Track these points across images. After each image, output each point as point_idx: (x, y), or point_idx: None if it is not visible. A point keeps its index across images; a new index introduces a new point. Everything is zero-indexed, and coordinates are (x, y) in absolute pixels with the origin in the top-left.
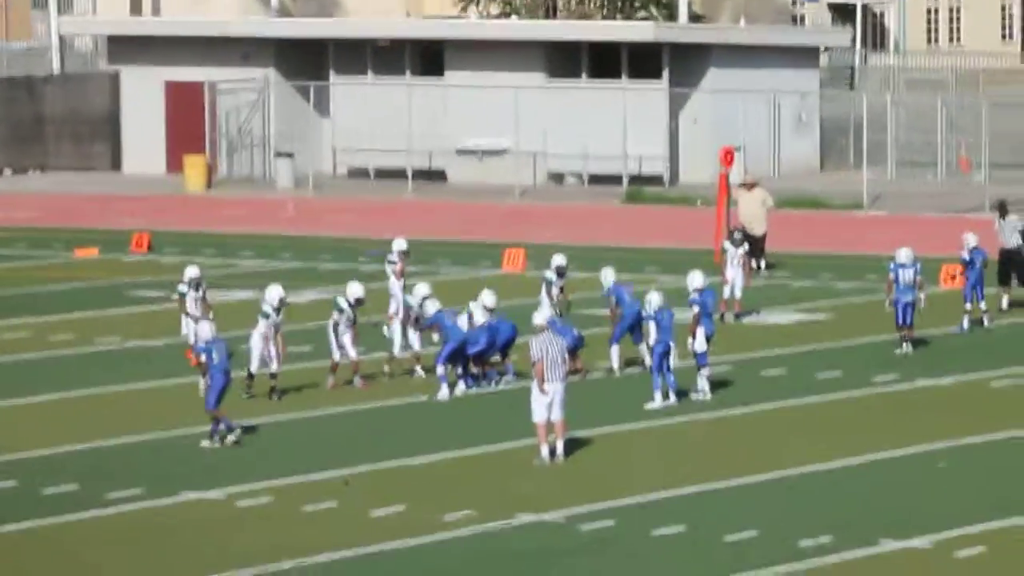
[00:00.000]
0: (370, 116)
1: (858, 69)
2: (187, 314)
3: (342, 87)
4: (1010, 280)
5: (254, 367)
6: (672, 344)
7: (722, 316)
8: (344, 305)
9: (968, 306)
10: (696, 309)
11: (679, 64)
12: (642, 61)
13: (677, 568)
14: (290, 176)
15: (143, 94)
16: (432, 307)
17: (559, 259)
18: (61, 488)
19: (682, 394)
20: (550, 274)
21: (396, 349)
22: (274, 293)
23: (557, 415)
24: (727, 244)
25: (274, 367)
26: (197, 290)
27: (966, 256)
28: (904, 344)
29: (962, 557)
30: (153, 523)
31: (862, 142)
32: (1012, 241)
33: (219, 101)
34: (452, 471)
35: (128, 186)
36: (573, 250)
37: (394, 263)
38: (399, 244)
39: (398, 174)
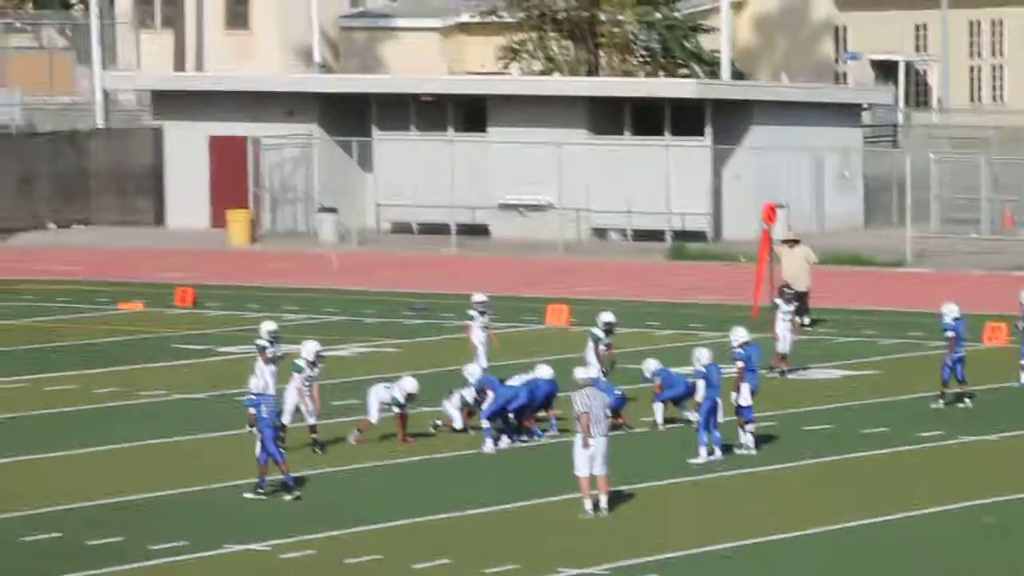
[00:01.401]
0: (413, 171)
1: (901, 127)
2: (268, 362)
3: (385, 142)
4: None
5: (286, 419)
6: (719, 400)
7: (782, 372)
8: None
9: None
10: (740, 364)
11: (722, 120)
12: (684, 117)
13: None
14: (333, 231)
15: (187, 149)
16: (476, 372)
17: (607, 316)
18: (105, 540)
19: (727, 449)
20: (597, 331)
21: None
22: (310, 348)
23: (600, 470)
24: (779, 300)
25: (311, 420)
26: (273, 344)
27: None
28: (965, 399)
29: None
30: (196, 575)
31: (905, 199)
32: None
33: (263, 156)
34: (495, 525)
35: (172, 240)
36: (617, 304)
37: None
38: (478, 297)
39: (441, 229)
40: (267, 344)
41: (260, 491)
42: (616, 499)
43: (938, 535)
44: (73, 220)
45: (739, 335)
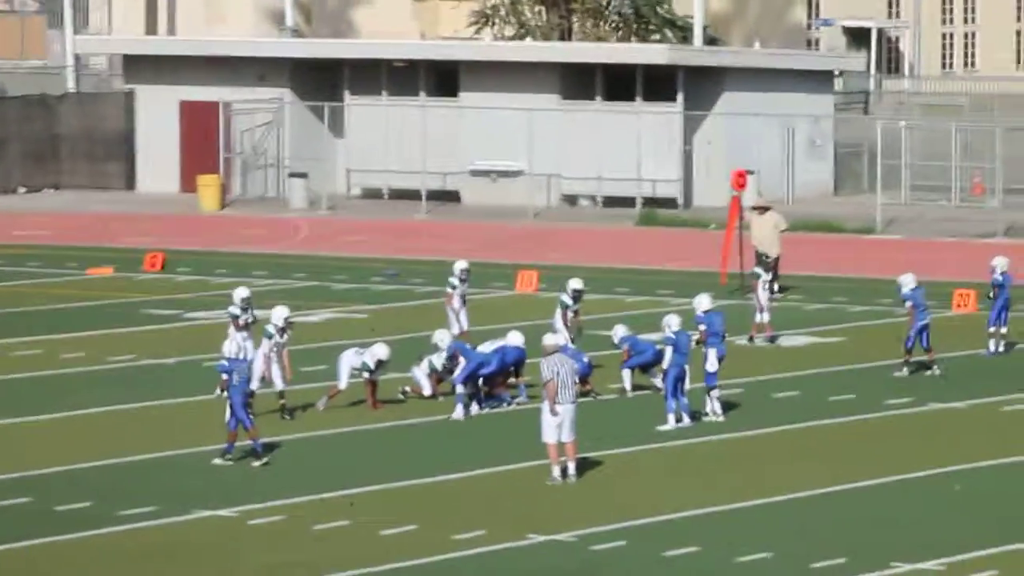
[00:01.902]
0: (384, 137)
1: (872, 93)
2: (240, 329)
3: (356, 108)
4: None
5: (254, 385)
6: (687, 368)
7: (751, 338)
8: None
9: (992, 329)
10: (702, 327)
11: (693, 87)
12: (656, 84)
13: None
14: (304, 196)
15: (158, 113)
16: (446, 338)
17: (576, 283)
18: (74, 505)
19: (695, 416)
20: (566, 298)
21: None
22: (279, 313)
23: (568, 436)
24: (758, 269)
25: (279, 386)
26: (246, 311)
27: (999, 279)
28: (933, 367)
29: None
30: (165, 541)
31: (876, 166)
32: None
33: (234, 121)
34: (463, 491)
35: (142, 205)
36: (587, 271)
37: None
38: (461, 264)
39: (412, 195)
40: (239, 312)
41: (228, 457)
42: (585, 466)
43: (907, 503)
44: (43, 184)
45: (702, 302)
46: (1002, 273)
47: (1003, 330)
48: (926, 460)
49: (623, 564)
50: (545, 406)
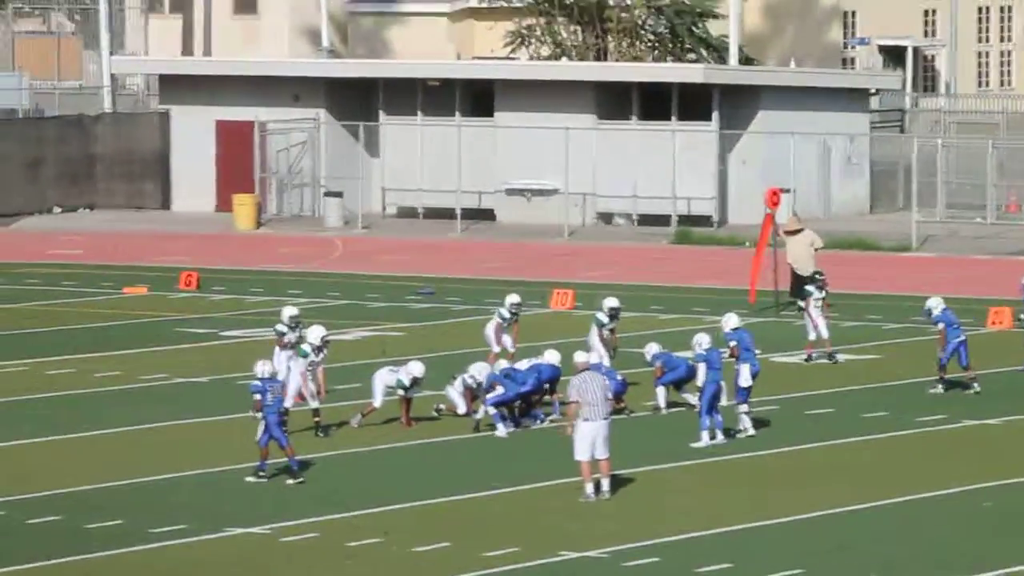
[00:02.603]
0: (419, 156)
1: (908, 111)
2: (284, 347)
3: (392, 127)
4: None
5: (288, 403)
6: (723, 384)
7: (808, 357)
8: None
9: None
10: (733, 343)
11: (729, 105)
12: (692, 103)
13: None
14: (339, 215)
15: (193, 133)
16: (484, 371)
17: (612, 301)
18: (106, 523)
19: (729, 433)
20: (602, 316)
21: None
22: (316, 333)
23: (602, 453)
24: (810, 288)
25: (314, 404)
26: (294, 330)
27: None
28: (974, 384)
29: None
30: (197, 558)
31: (912, 184)
32: None
33: (269, 140)
34: (496, 508)
35: (177, 224)
36: (621, 289)
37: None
38: (512, 299)
39: (447, 214)
40: (286, 330)
41: (261, 474)
42: (618, 483)
43: (939, 519)
44: (79, 204)
45: (730, 321)
46: None
47: None
48: (958, 477)
49: None
50: (577, 423)
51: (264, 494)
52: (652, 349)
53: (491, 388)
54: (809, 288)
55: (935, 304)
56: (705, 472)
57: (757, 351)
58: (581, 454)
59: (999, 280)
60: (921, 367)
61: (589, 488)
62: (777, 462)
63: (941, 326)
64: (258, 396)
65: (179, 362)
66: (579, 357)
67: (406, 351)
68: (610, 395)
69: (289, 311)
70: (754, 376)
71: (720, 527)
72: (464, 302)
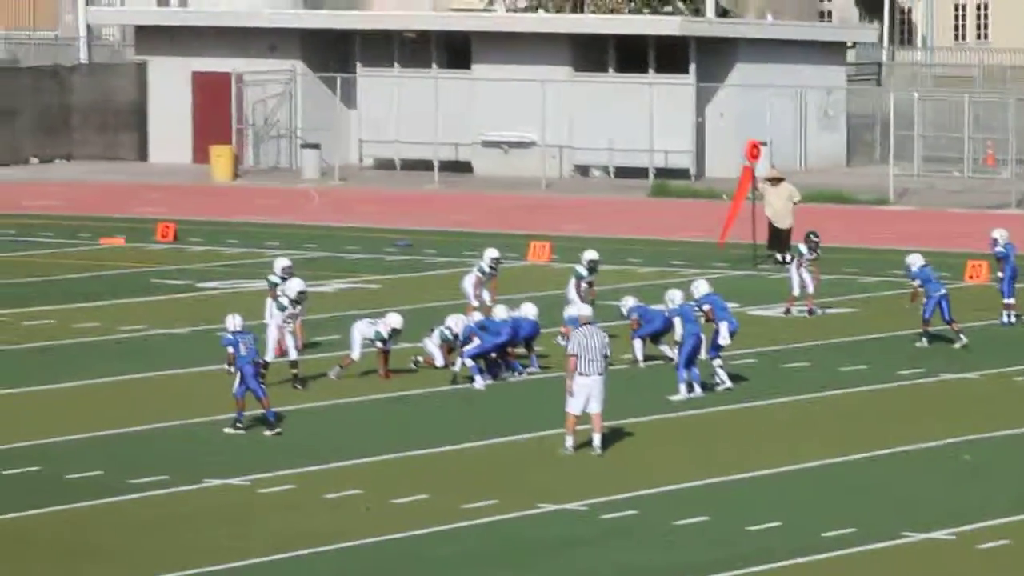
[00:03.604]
0: (396, 108)
1: (885, 65)
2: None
3: (369, 79)
4: None
5: (269, 356)
6: (703, 337)
7: (810, 311)
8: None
9: (1009, 300)
10: (707, 306)
11: (706, 58)
12: (669, 55)
13: (699, 557)
14: (316, 167)
15: (170, 84)
16: (460, 323)
17: (591, 254)
18: (85, 474)
19: (706, 387)
20: (581, 268)
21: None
22: (293, 285)
23: (595, 408)
24: (802, 247)
25: (293, 355)
26: (286, 281)
27: (1000, 250)
28: (960, 336)
29: (985, 549)
30: (176, 510)
31: (889, 138)
32: None
33: (246, 92)
34: (474, 461)
35: (154, 176)
36: (599, 241)
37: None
38: (491, 253)
39: (424, 166)
40: (279, 281)
41: (239, 426)
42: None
43: (918, 473)
44: (55, 155)
45: (700, 287)
46: (1004, 244)
47: (1011, 300)
48: (937, 430)
49: (633, 533)
50: (574, 376)
51: (243, 445)
52: (628, 302)
53: (468, 340)
54: (801, 248)
55: (914, 260)
56: (683, 425)
57: (734, 305)
58: (572, 407)
59: (976, 234)
60: (899, 321)
61: (570, 441)
62: (755, 416)
63: (917, 282)
64: (231, 349)
65: (157, 313)
66: (583, 311)
67: (384, 303)
68: (607, 352)
69: (282, 262)
70: (732, 334)
71: (698, 480)
72: (441, 254)
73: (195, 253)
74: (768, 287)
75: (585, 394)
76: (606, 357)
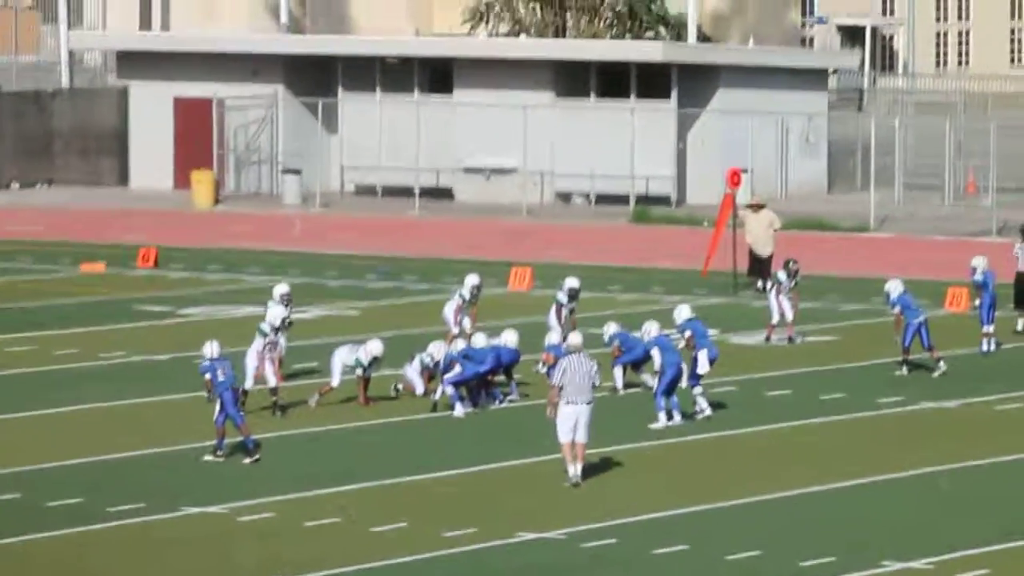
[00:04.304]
0: (378, 133)
1: (867, 91)
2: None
3: (350, 104)
4: None
5: (248, 384)
6: (683, 366)
7: (790, 339)
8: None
9: (988, 328)
10: (688, 332)
11: (688, 84)
12: (651, 81)
13: None
14: (297, 192)
15: (152, 109)
16: (441, 350)
17: (572, 282)
18: (64, 501)
19: (686, 415)
20: (562, 295)
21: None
22: (276, 313)
23: (581, 437)
24: (782, 277)
25: (272, 383)
26: (287, 307)
27: (979, 278)
28: (940, 363)
29: None
30: (155, 537)
31: (870, 164)
32: None
33: (227, 117)
34: (454, 489)
35: (135, 201)
36: (580, 268)
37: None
38: (472, 280)
39: (405, 192)
40: (268, 333)
41: (219, 453)
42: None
43: (897, 502)
44: (37, 180)
45: (683, 312)
46: (983, 272)
47: (990, 328)
48: (916, 459)
49: (613, 562)
50: (560, 406)
51: (222, 473)
52: (610, 329)
53: (449, 368)
54: (780, 276)
55: (893, 287)
56: (663, 453)
57: (714, 332)
58: (563, 436)
59: (957, 261)
60: (880, 348)
61: (572, 469)
62: (735, 444)
63: (897, 309)
64: (207, 375)
65: (137, 340)
66: (573, 339)
67: (364, 330)
68: (596, 381)
69: (280, 288)
70: (712, 362)
71: (678, 508)
72: (422, 281)
73: (176, 279)
74: (748, 315)
75: (572, 422)
76: (595, 386)
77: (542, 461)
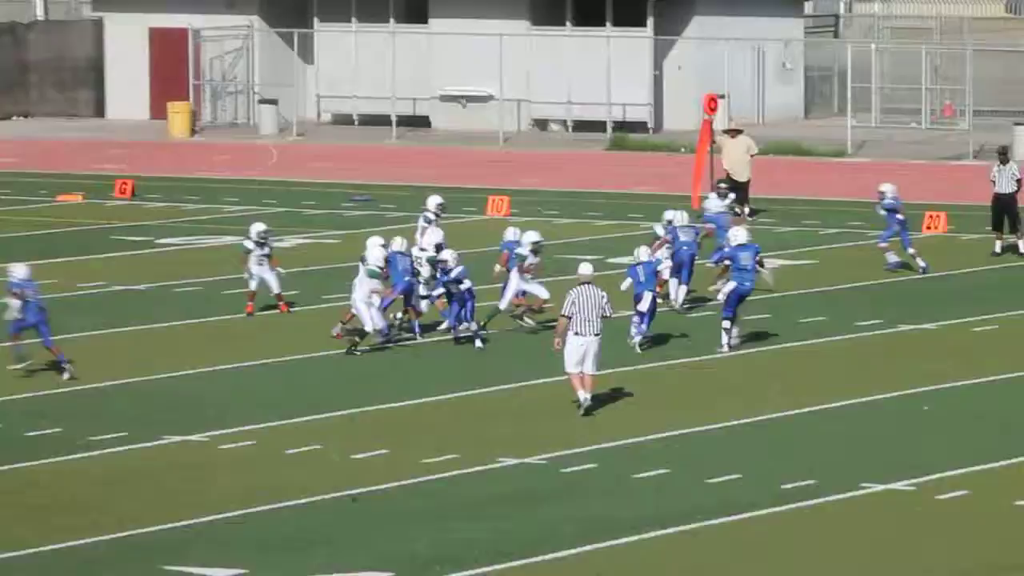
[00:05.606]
0: (354, 63)
1: (843, 17)
2: (248, 272)
3: (326, 34)
4: (1003, 226)
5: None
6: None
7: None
8: (251, 245)
9: (912, 250)
10: (630, 280)
11: (663, 11)
12: (626, 8)
13: (659, 509)
14: (274, 122)
15: (127, 41)
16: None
17: (533, 235)
18: (44, 431)
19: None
20: (523, 251)
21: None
22: (255, 228)
23: (589, 368)
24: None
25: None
26: (262, 247)
27: (891, 202)
28: (918, 260)
29: (944, 500)
30: (136, 466)
31: (846, 89)
32: (1007, 187)
33: (203, 48)
34: (435, 416)
35: (112, 132)
36: (557, 195)
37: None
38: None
39: (382, 120)
40: (253, 247)
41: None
42: (556, 391)
43: (877, 424)
44: (13, 112)
45: (641, 255)
46: (893, 197)
47: (911, 251)
48: (896, 381)
49: (594, 486)
50: (568, 336)
51: (203, 402)
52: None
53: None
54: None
55: (888, 188)
56: (643, 379)
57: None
58: (570, 367)
59: (934, 185)
60: (858, 272)
61: (581, 395)
62: (714, 368)
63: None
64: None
65: (116, 270)
66: (583, 269)
67: (345, 259)
68: (607, 312)
69: (257, 227)
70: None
71: (657, 433)
72: (399, 209)
73: (153, 209)
74: None
75: (580, 353)
76: (604, 317)
77: (528, 386)
